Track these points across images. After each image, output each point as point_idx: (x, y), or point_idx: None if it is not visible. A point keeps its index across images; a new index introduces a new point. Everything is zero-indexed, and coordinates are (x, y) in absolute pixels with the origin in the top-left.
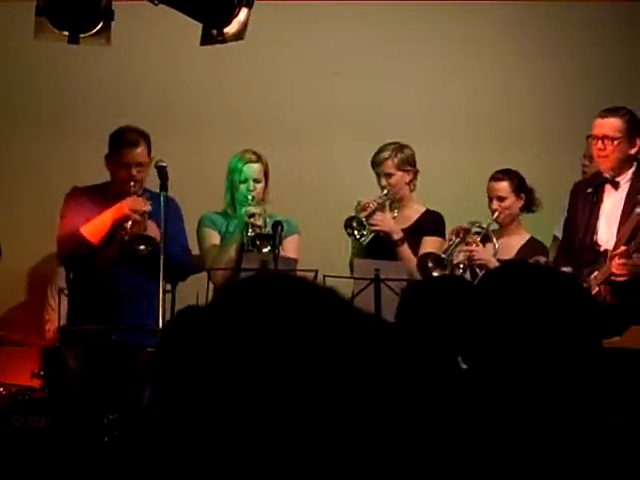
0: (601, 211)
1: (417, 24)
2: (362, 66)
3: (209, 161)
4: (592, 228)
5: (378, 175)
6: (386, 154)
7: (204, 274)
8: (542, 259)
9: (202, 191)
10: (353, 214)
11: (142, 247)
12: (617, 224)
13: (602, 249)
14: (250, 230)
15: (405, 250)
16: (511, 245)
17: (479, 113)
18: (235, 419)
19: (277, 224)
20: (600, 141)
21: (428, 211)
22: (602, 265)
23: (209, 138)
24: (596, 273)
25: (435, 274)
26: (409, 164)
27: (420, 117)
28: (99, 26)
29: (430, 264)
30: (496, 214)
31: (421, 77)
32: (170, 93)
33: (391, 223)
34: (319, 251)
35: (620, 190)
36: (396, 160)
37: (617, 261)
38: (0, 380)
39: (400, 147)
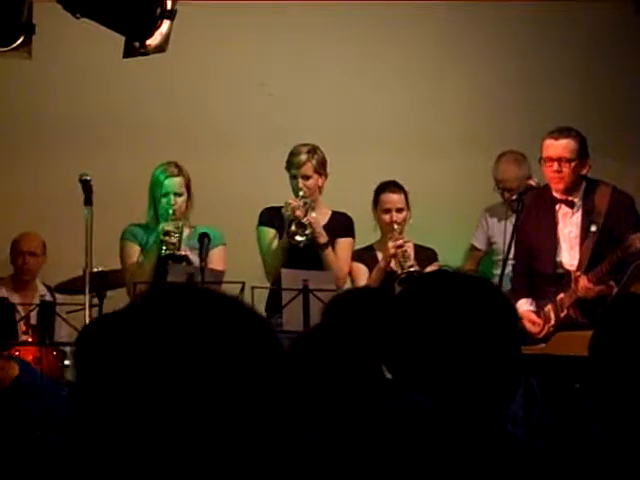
0: (559, 232)
1: (343, 26)
2: (286, 77)
3: (132, 174)
4: (553, 250)
5: (294, 177)
6: (303, 157)
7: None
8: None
9: (125, 204)
10: (289, 218)
11: None
12: (578, 244)
13: (564, 270)
14: (164, 249)
15: (330, 253)
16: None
17: (405, 119)
18: (144, 415)
19: (204, 235)
20: (556, 163)
21: (336, 213)
22: (567, 287)
23: (132, 150)
24: (562, 295)
25: None
26: (323, 167)
27: (343, 127)
28: (20, 40)
29: None
30: (395, 225)
31: (342, 84)
32: (92, 105)
33: (320, 224)
34: (247, 262)
35: (575, 209)
36: (314, 162)
37: (585, 284)
38: None
39: (314, 149)
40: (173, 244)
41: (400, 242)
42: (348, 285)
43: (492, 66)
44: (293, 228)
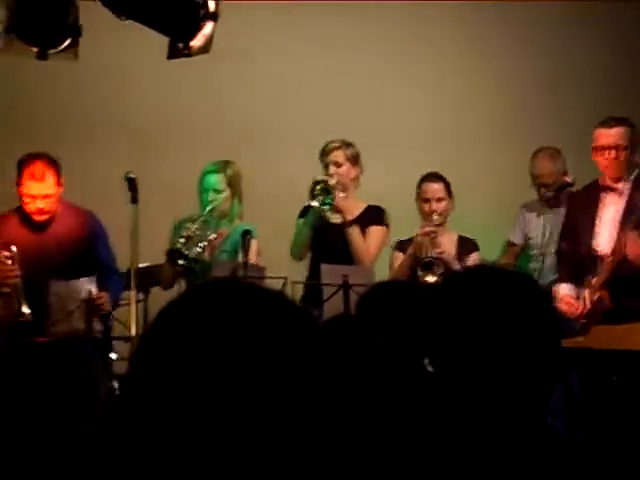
0: (600, 218)
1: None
2: (327, 77)
3: (176, 172)
4: (590, 234)
5: (327, 165)
6: (336, 144)
7: None
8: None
9: (169, 201)
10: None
11: None
12: (617, 229)
13: (600, 254)
14: (180, 241)
15: (354, 232)
16: (446, 243)
17: (439, 116)
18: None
19: (246, 232)
20: (613, 150)
21: (370, 206)
22: (600, 270)
23: (176, 149)
24: (595, 279)
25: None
26: (356, 160)
27: (381, 125)
28: (67, 42)
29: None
30: (435, 215)
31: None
32: (139, 107)
33: (346, 204)
34: (288, 258)
35: (622, 196)
36: (347, 152)
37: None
38: None
39: (348, 143)
40: (186, 237)
41: (427, 229)
42: (385, 272)
43: (521, 65)
44: (318, 190)
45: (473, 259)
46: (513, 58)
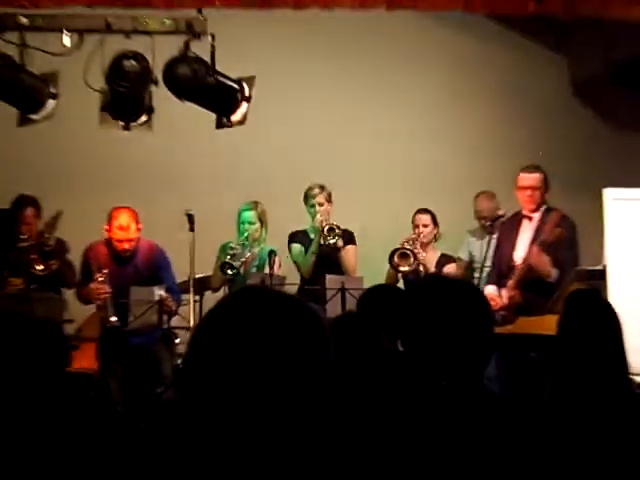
0: (519, 239)
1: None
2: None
3: (222, 208)
4: (511, 250)
5: (312, 205)
6: (317, 190)
7: None
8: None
9: (216, 229)
10: (321, 225)
11: None
12: (528, 246)
13: (515, 264)
14: (227, 256)
15: (344, 254)
16: (429, 256)
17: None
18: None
19: (271, 252)
20: (530, 190)
21: (344, 230)
22: (514, 275)
23: (220, 190)
24: (511, 282)
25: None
26: (330, 198)
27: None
28: (144, 118)
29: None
30: (422, 236)
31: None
32: (191, 163)
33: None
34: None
35: (533, 222)
36: (325, 194)
37: (535, 251)
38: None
39: (322, 186)
40: (232, 255)
41: (407, 238)
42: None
43: (466, 131)
44: (326, 232)
45: (447, 268)
46: (458, 125)
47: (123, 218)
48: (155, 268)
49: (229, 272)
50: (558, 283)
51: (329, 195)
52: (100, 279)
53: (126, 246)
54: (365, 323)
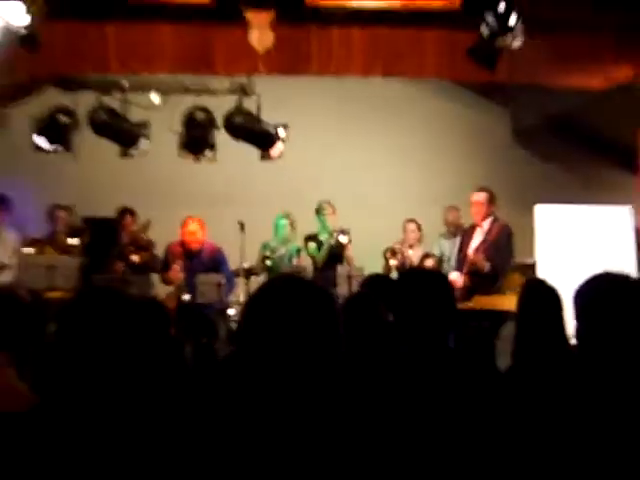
0: (472, 240)
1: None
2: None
3: (265, 217)
4: (466, 249)
5: (323, 216)
6: (327, 204)
7: None
8: (431, 262)
9: (260, 231)
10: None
11: None
12: (477, 245)
13: (468, 258)
14: (267, 253)
15: (350, 251)
16: (415, 252)
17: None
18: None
19: (298, 249)
20: (476, 206)
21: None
22: (467, 265)
23: (263, 204)
24: (464, 270)
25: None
26: (335, 211)
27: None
28: (209, 152)
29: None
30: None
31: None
32: (246, 183)
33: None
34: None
35: (482, 230)
36: (332, 207)
37: (473, 255)
38: None
39: (329, 202)
40: (269, 251)
41: (398, 242)
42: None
43: (433, 147)
44: (334, 234)
45: (426, 262)
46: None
47: (192, 226)
48: (216, 263)
49: (267, 263)
50: (496, 273)
51: (334, 209)
52: (176, 268)
53: (194, 246)
54: (370, 300)
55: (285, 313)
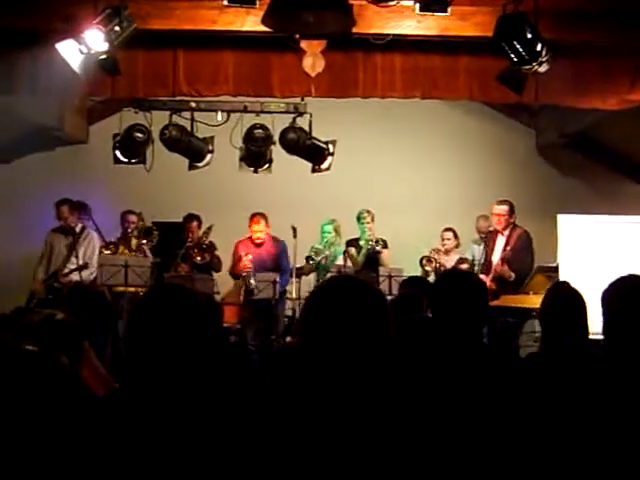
0: (495, 247)
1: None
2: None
3: (314, 223)
4: (491, 255)
5: (363, 223)
6: (366, 213)
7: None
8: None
9: (306, 236)
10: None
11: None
12: (500, 253)
13: (493, 264)
14: (313, 254)
15: (383, 255)
16: (451, 258)
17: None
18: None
19: (344, 252)
20: (497, 217)
21: (381, 239)
22: (492, 271)
23: (312, 211)
24: (490, 275)
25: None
26: (373, 220)
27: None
28: (267, 165)
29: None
30: (446, 246)
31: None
32: (299, 192)
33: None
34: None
35: (503, 237)
36: (371, 215)
37: (498, 266)
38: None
39: (368, 210)
40: (315, 253)
41: (435, 249)
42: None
43: (465, 161)
44: (373, 242)
45: (461, 266)
46: (468, 165)
47: (258, 222)
48: (278, 253)
49: (311, 262)
50: (520, 277)
51: (373, 217)
52: (245, 259)
53: (259, 240)
54: (414, 298)
55: (344, 309)
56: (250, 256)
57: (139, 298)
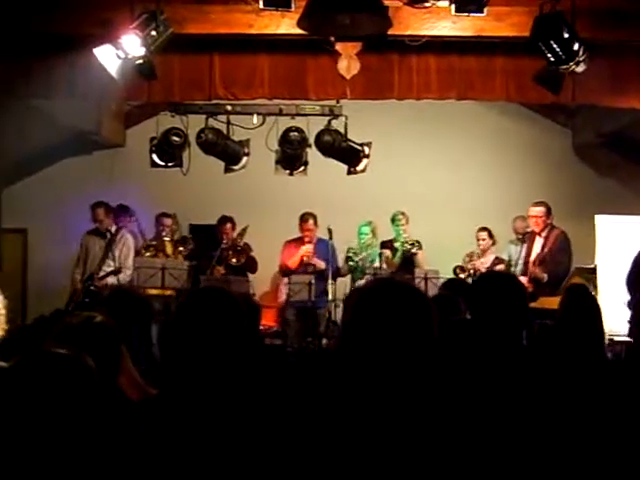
0: (533, 248)
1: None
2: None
3: (350, 224)
4: (529, 257)
5: (398, 225)
6: (400, 214)
7: None
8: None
9: (345, 238)
10: (405, 240)
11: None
12: (537, 253)
13: (530, 265)
14: (350, 256)
15: (418, 257)
16: (487, 258)
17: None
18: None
19: (380, 254)
20: (535, 218)
21: (417, 241)
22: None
23: (349, 214)
24: (526, 278)
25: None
26: (408, 221)
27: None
28: (302, 168)
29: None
30: (481, 247)
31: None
32: (335, 194)
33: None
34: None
35: (541, 238)
36: (406, 217)
37: (533, 269)
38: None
39: (403, 212)
40: (352, 254)
41: (464, 259)
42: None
43: (501, 162)
44: (408, 244)
45: (498, 267)
46: (507, 167)
47: (309, 223)
48: (325, 253)
49: (350, 264)
50: (555, 280)
51: (407, 219)
52: (305, 247)
53: (310, 238)
54: (451, 301)
55: (393, 310)
56: (310, 246)
57: (182, 299)
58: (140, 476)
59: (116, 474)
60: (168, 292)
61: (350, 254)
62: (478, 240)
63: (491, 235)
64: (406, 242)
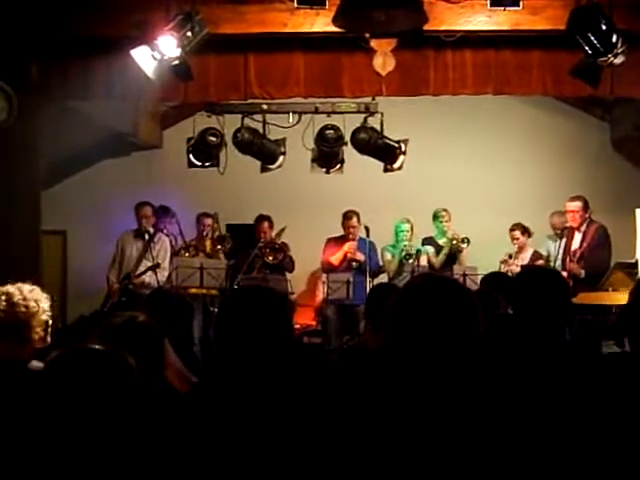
0: (572, 243)
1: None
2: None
3: (388, 222)
4: (569, 251)
5: (441, 221)
6: (443, 211)
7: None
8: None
9: (383, 235)
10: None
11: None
12: (576, 249)
13: (566, 266)
14: (402, 253)
15: (464, 254)
16: (525, 254)
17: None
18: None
19: (418, 251)
20: (572, 214)
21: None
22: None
23: (386, 212)
24: (565, 273)
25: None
26: (450, 218)
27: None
28: (338, 166)
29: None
30: (517, 245)
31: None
32: (372, 192)
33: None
34: None
35: (580, 234)
36: (448, 215)
37: (571, 265)
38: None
39: (445, 209)
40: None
41: (501, 266)
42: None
43: (537, 157)
44: (455, 241)
45: (538, 262)
46: (541, 164)
47: (352, 220)
48: (362, 249)
49: (392, 251)
50: (593, 275)
51: (450, 215)
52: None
53: (353, 236)
54: (490, 296)
55: (439, 306)
56: (354, 242)
57: (224, 297)
58: (185, 464)
59: (159, 462)
60: (212, 291)
61: (388, 254)
62: (512, 240)
63: (525, 230)
64: (454, 238)
